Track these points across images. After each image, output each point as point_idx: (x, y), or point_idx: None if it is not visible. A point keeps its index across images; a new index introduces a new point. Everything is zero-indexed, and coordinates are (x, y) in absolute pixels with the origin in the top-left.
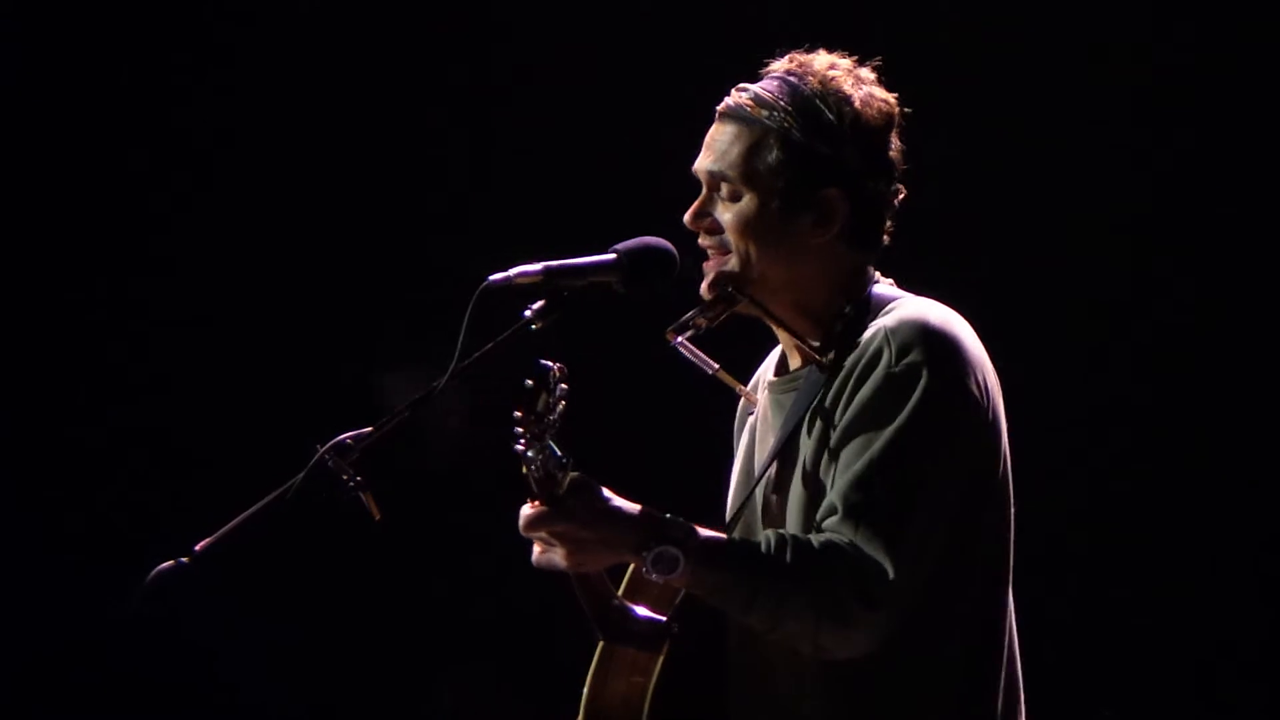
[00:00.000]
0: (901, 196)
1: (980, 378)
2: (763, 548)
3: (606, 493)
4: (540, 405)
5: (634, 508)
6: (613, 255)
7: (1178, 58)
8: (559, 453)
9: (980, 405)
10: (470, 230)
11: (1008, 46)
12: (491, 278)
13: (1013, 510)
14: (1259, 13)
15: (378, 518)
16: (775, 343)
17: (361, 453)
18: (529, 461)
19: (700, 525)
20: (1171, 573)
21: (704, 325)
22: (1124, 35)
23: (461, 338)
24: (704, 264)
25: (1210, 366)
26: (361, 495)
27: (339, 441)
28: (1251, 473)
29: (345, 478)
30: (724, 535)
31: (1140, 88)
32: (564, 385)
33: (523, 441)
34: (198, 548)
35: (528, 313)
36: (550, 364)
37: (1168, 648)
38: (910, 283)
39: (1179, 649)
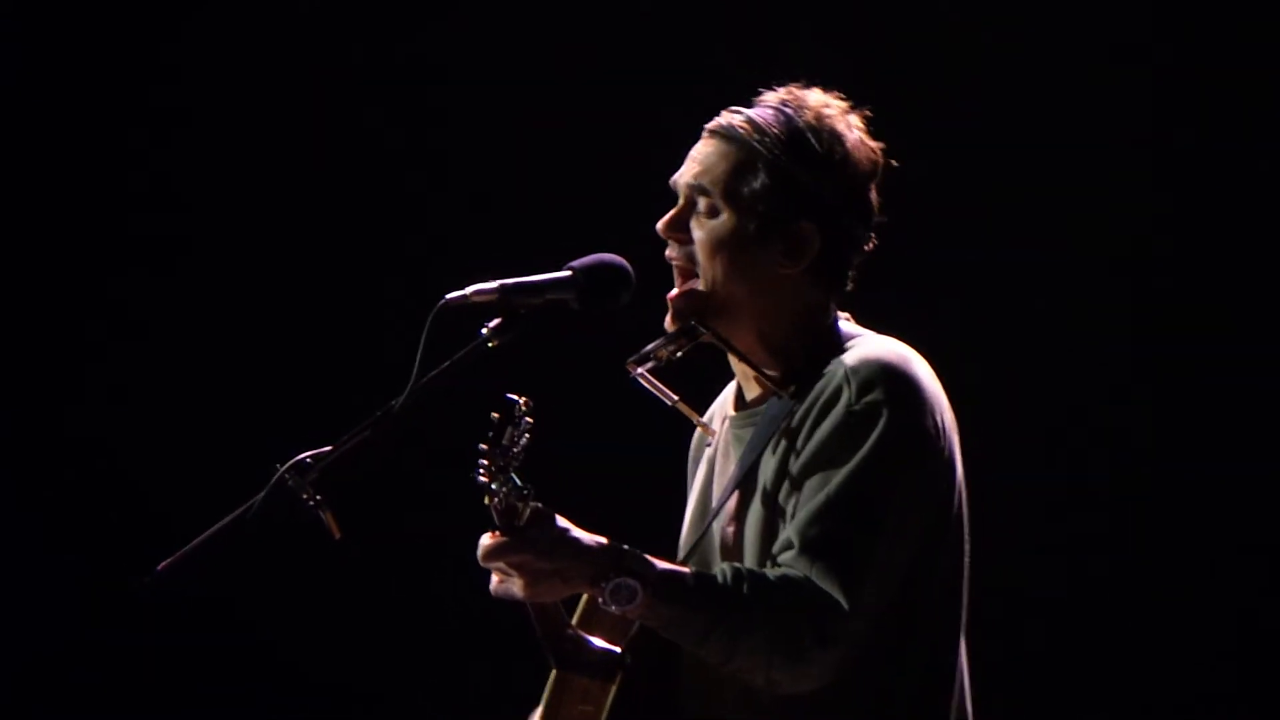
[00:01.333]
0: (872, 244)
1: (938, 418)
2: (719, 581)
3: (565, 524)
4: (505, 438)
5: (593, 539)
6: (568, 272)
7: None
8: (520, 484)
9: (937, 445)
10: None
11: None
12: (448, 296)
13: (968, 551)
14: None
15: (338, 536)
16: (732, 377)
17: (321, 471)
18: (492, 493)
19: (658, 557)
20: (1147, 610)
21: (665, 357)
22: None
23: (419, 356)
24: (668, 295)
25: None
26: (322, 514)
27: (298, 460)
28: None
29: (305, 496)
30: (682, 568)
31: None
32: (529, 419)
33: (486, 473)
34: (160, 567)
35: (484, 331)
36: (516, 398)
37: (1138, 685)
38: (864, 318)
39: (1153, 684)
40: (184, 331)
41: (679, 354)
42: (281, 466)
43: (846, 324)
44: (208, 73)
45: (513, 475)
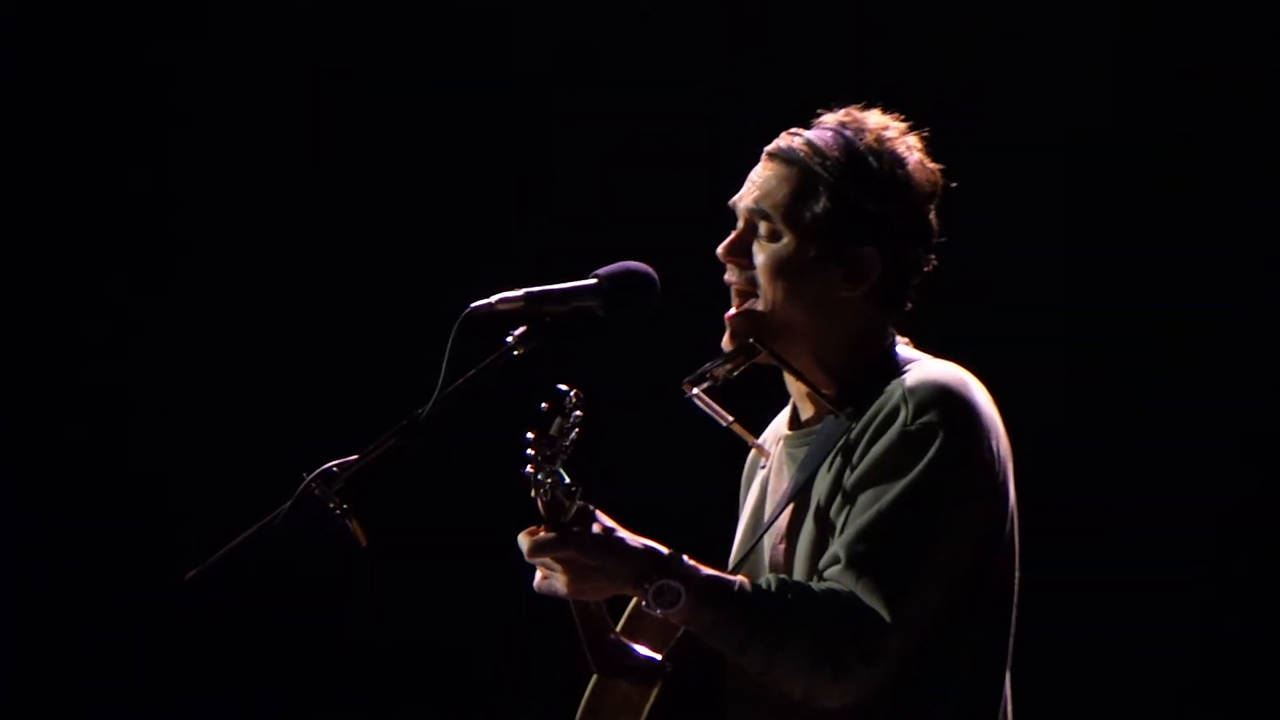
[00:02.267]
0: (932, 265)
1: (993, 444)
2: (764, 589)
3: (611, 523)
4: (554, 429)
5: (639, 540)
6: (594, 280)
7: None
8: (567, 479)
9: (991, 470)
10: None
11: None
12: (474, 304)
13: (1017, 580)
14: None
15: (364, 545)
16: (787, 400)
17: (347, 481)
18: (538, 485)
19: (704, 563)
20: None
21: (720, 377)
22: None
23: (445, 364)
24: (726, 315)
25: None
26: (348, 523)
27: (325, 469)
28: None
29: (332, 505)
30: (727, 575)
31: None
32: (579, 411)
33: (532, 465)
34: (187, 576)
35: (510, 339)
36: (566, 388)
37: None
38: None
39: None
40: (208, 339)
41: (735, 374)
42: (308, 475)
43: (904, 348)
44: (217, 72)
45: (560, 469)
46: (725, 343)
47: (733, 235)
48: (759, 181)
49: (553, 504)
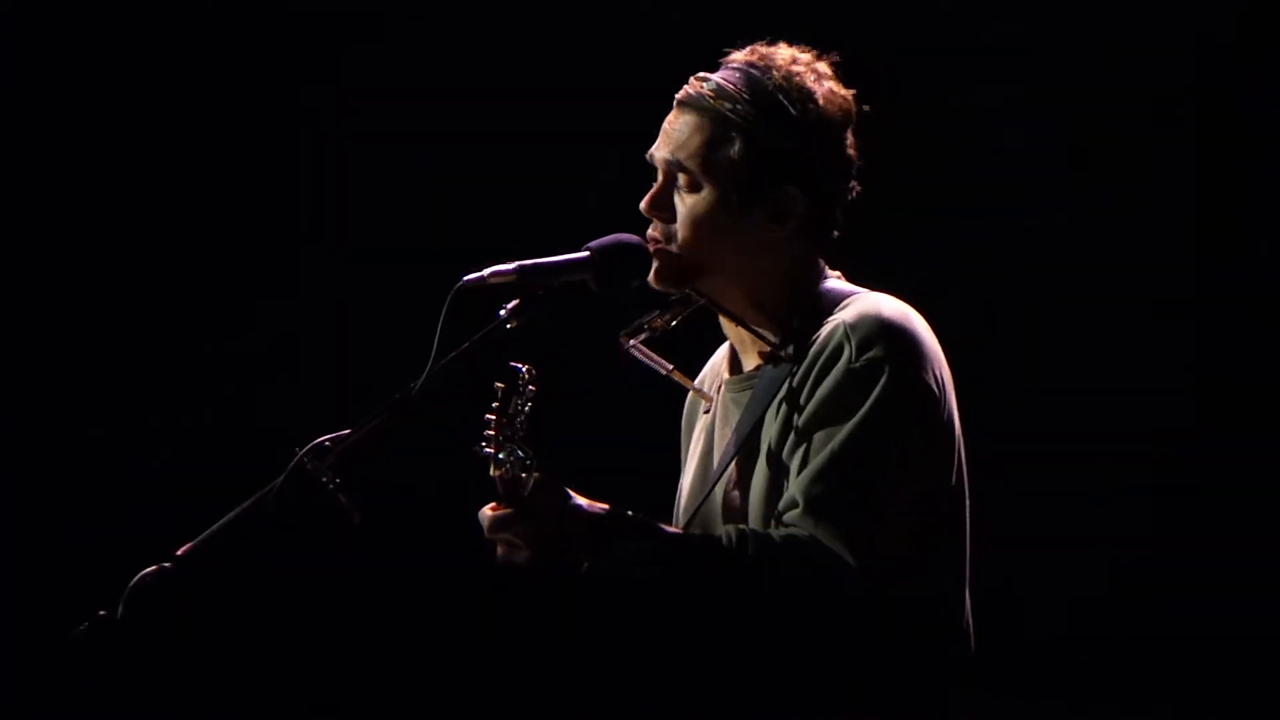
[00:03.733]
0: (856, 192)
1: (938, 373)
2: (724, 543)
3: (569, 492)
4: (510, 408)
5: (596, 506)
6: (586, 253)
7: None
8: (524, 454)
9: (938, 400)
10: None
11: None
12: (466, 277)
13: (969, 507)
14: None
15: (357, 521)
16: (722, 341)
17: (340, 455)
18: (498, 464)
19: (661, 522)
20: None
21: (659, 328)
22: None
23: (437, 338)
24: (654, 251)
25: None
26: (340, 498)
27: (317, 444)
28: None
29: (324, 480)
30: (687, 533)
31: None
32: (534, 387)
33: (492, 444)
34: (179, 552)
35: (502, 312)
36: (520, 366)
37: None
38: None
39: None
40: (196, 313)
41: (673, 323)
42: (300, 450)
43: (837, 282)
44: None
45: (517, 446)
46: (652, 279)
47: (653, 189)
48: (672, 132)
49: (511, 481)
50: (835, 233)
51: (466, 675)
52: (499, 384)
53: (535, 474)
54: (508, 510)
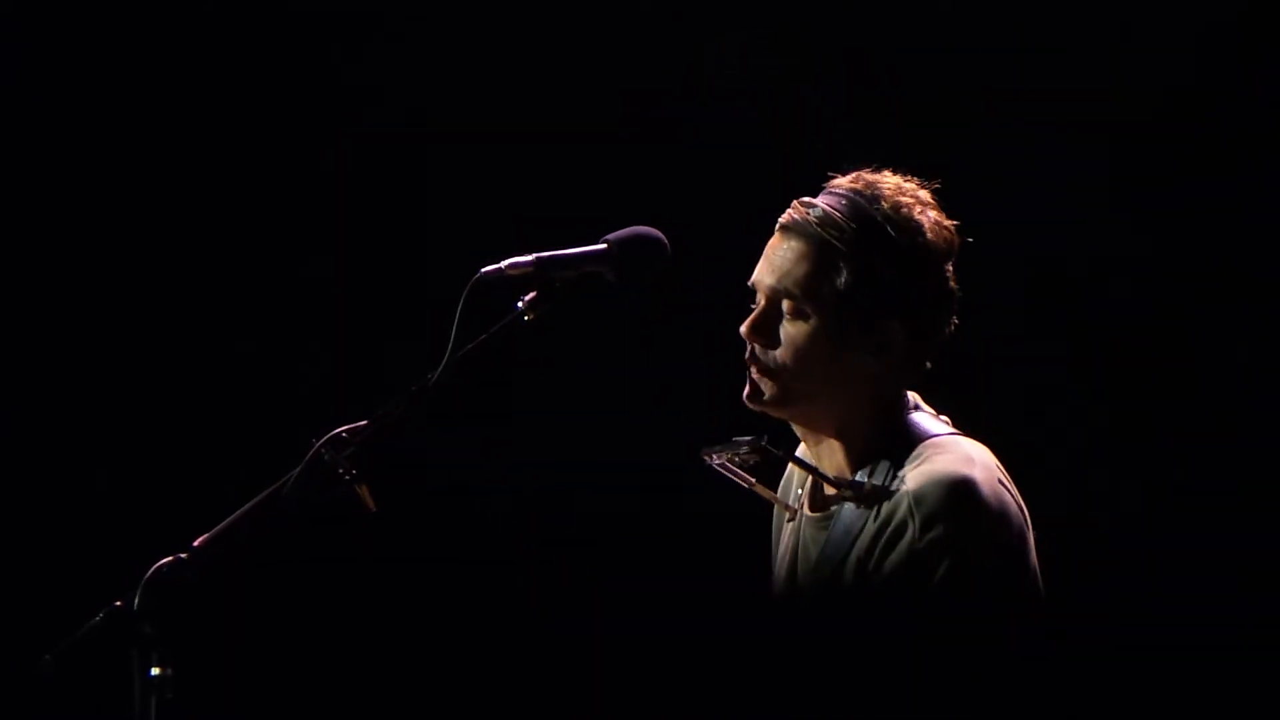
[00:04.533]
0: (954, 327)
1: (1004, 538)
2: None
3: None
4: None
5: None
6: (604, 245)
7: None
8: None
9: (1004, 569)
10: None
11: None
12: (483, 269)
13: (1054, 655)
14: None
15: (373, 511)
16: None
17: (358, 446)
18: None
19: None
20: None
21: (741, 461)
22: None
23: (454, 330)
24: (750, 375)
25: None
26: (357, 489)
27: (335, 435)
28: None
29: (341, 471)
30: None
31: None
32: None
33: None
34: (196, 543)
35: (520, 304)
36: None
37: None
38: None
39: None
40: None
41: (752, 461)
42: (317, 441)
43: (921, 415)
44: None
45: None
46: (746, 399)
47: (755, 314)
48: (776, 259)
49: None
50: (929, 365)
51: (479, 667)
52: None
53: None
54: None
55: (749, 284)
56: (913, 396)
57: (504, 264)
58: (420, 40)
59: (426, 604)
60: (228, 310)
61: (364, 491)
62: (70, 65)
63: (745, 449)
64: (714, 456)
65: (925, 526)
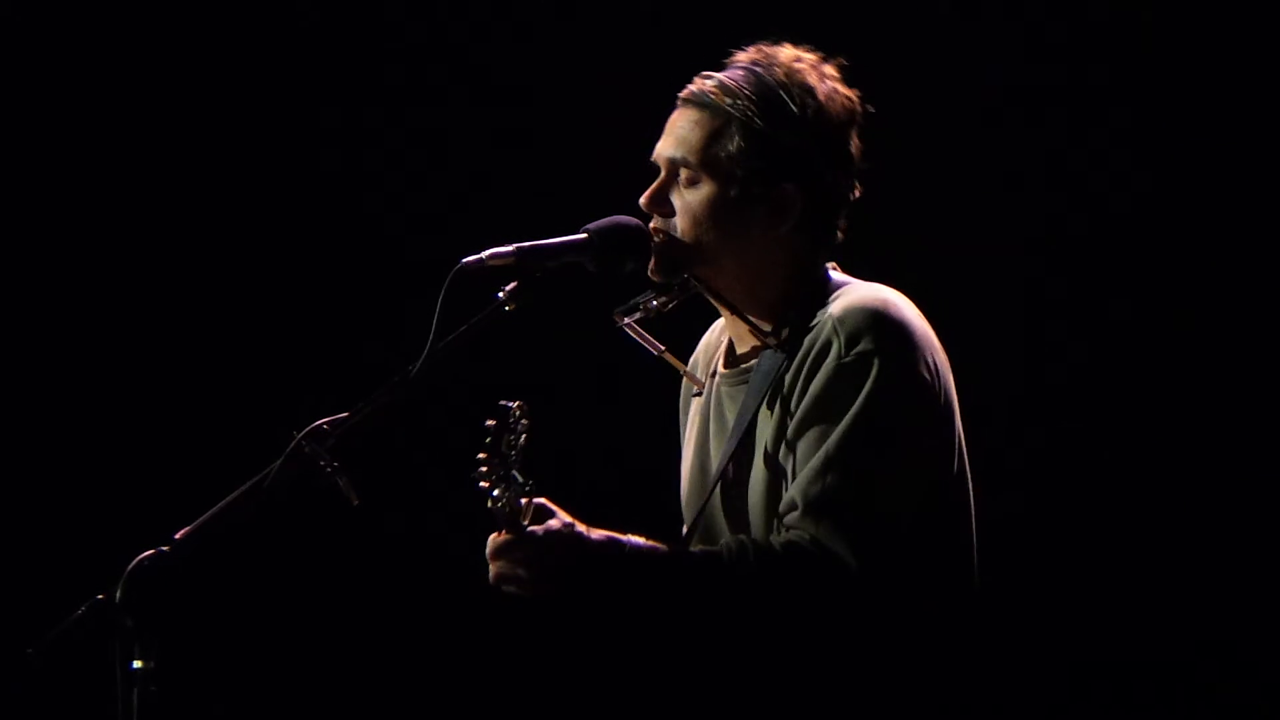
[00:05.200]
0: (858, 193)
1: (930, 359)
2: (724, 556)
3: (568, 518)
4: (503, 445)
5: (597, 534)
6: (584, 235)
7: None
8: (521, 481)
9: (932, 388)
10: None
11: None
12: (464, 260)
13: (972, 495)
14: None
15: (355, 503)
16: (711, 322)
17: (338, 438)
18: (495, 500)
19: (653, 538)
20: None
21: (654, 309)
22: None
23: (435, 321)
24: (652, 243)
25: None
26: (339, 481)
27: (315, 427)
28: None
29: (322, 463)
30: (685, 551)
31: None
32: (525, 421)
33: (486, 480)
34: (177, 536)
35: (501, 294)
36: (510, 404)
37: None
38: (860, 271)
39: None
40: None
41: (668, 306)
42: (298, 433)
43: (835, 274)
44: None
45: (514, 474)
46: (651, 269)
47: (654, 185)
48: (674, 130)
49: (510, 512)
50: (839, 233)
51: (467, 667)
52: (490, 421)
53: (535, 500)
54: (508, 538)
55: (652, 159)
56: (831, 267)
57: (485, 254)
58: (405, 28)
59: (410, 597)
60: (209, 303)
61: (346, 483)
62: (68, 66)
63: (660, 295)
64: (625, 318)
65: (850, 342)
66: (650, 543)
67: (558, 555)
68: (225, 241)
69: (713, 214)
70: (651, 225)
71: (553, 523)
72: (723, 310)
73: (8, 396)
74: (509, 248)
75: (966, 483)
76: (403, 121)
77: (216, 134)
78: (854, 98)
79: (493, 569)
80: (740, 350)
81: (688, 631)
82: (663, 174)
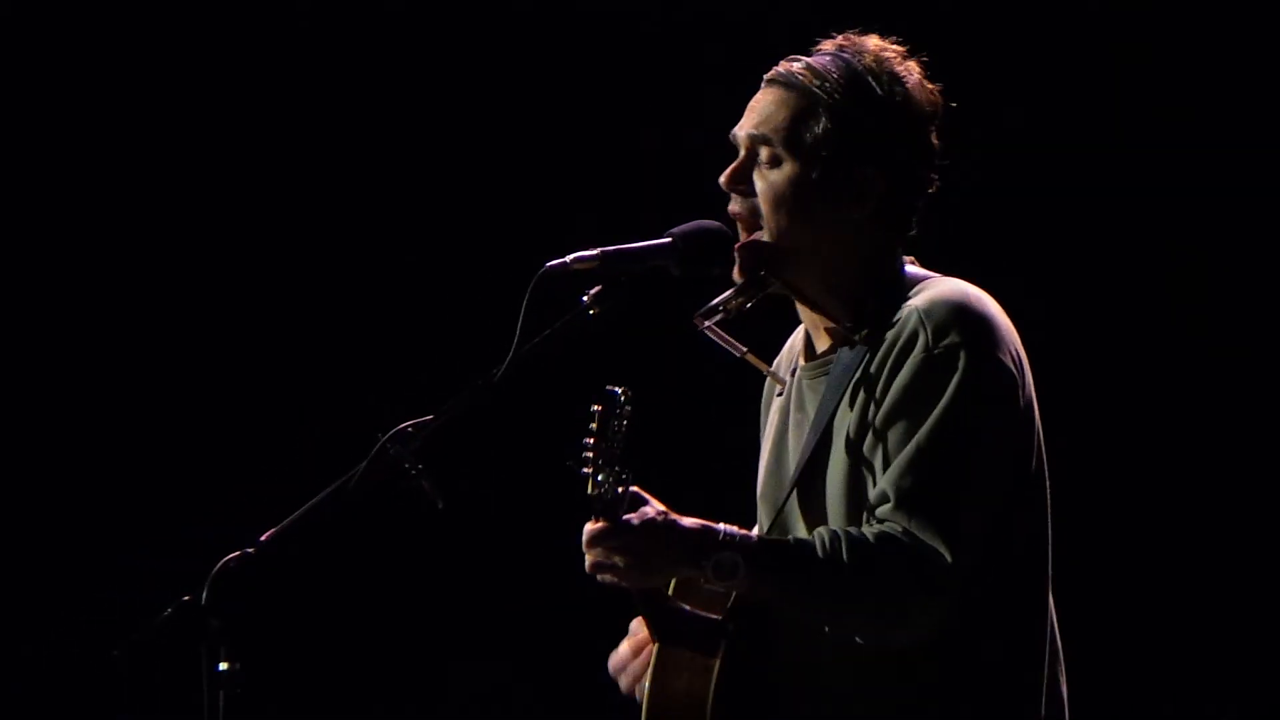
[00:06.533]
0: (936, 186)
1: (1015, 354)
2: (820, 547)
3: (661, 507)
4: (608, 430)
5: (691, 521)
6: (668, 239)
7: None
8: (621, 471)
9: (1017, 383)
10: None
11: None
12: (549, 264)
13: (1049, 494)
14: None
15: (440, 506)
16: (795, 328)
17: (423, 440)
18: (596, 484)
19: (750, 530)
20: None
21: (733, 310)
22: None
23: (520, 324)
24: (734, 246)
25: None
26: (424, 483)
27: (400, 430)
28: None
29: (407, 466)
30: (781, 539)
31: None
32: (630, 408)
33: (590, 465)
34: (262, 538)
35: (585, 298)
36: (617, 389)
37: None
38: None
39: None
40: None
41: (747, 305)
42: (383, 436)
43: (912, 267)
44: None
45: (615, 465)
46: (735, 274)
47: (734, 164)
48: (758, 108)
49: (608, 498)
50: (914, 221)
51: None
52: (596, 406)
53: (631, 489)
54: (604, 525)
55: (730, 136)
56: (906, 258)
57: (569, 258)
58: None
59: (493, 599)
60: (298, 307)
61: (430, 486)
62: (68, 66)
63: (738, 296)
64: (705, 321)
65: (938, 335)
66: (743, 531)
67: (653, 543)
68: (314, 245)
69: (795, 194)
70: (730, 208)
71: (647, 509)
72: (802, 306)
73: (89, 401)
74: (593, 251)
75: (1044, 480)
76: (490, 125)
77: (301, 133)
78: (938, 92)
79: (589, 557)
80: (819, 345)
81: (782, 618)
82: (742, 153)
